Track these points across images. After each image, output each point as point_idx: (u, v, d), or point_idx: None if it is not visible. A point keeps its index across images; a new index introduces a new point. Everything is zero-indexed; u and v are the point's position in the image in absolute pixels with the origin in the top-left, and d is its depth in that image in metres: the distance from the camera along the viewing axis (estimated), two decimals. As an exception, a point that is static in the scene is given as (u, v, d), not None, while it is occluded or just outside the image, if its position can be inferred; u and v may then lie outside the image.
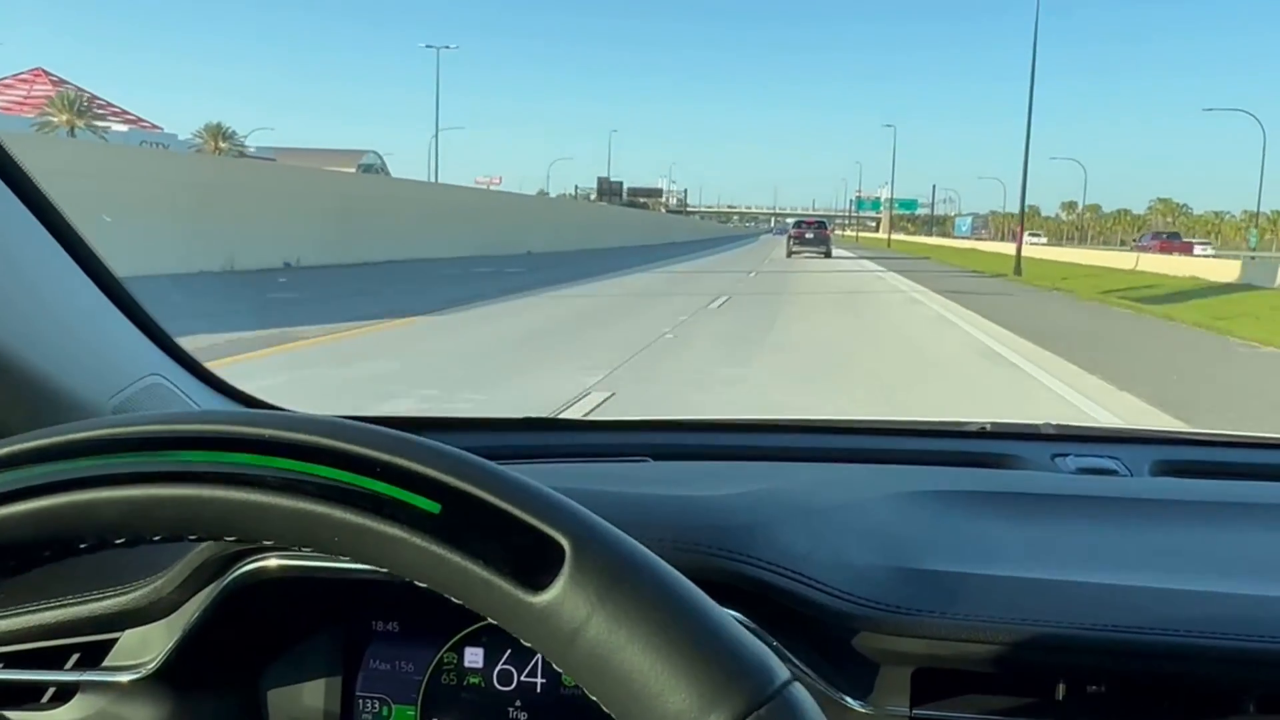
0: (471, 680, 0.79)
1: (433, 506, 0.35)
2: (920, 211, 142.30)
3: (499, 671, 0.79)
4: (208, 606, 0.73)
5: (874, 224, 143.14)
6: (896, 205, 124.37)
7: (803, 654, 0.69)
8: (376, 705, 0.80)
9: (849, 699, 0.70)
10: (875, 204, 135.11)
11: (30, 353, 0.82)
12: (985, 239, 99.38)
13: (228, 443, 0.37)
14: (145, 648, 0.77)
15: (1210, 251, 52.67)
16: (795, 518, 0.80)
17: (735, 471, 1.00)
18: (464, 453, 0.36)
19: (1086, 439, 1.26)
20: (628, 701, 0.33)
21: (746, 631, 0.35)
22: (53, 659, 0.79)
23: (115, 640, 0.78)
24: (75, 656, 0.79)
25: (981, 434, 1.29)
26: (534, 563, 0.34)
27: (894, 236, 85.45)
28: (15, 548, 0.39)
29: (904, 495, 0.93)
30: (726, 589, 0.68)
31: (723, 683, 0.32)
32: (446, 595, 0.36)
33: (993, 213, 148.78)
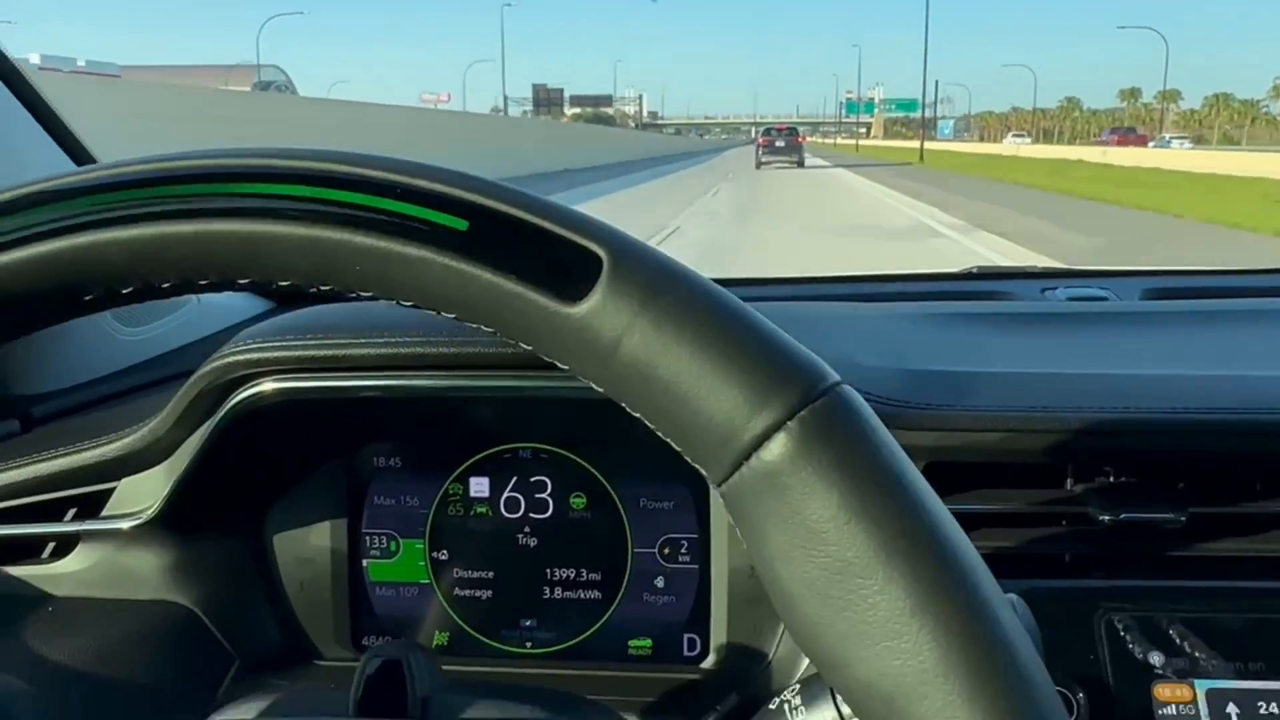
0: (478, 510, 0.79)
1: (459, 224, 0.33)
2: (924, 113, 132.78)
3: (506, 499, 0.79)
4: (207, 440, 0.71)
5: (865, 130, 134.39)
6: (893, 107, 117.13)
7: None
8: (384, 541, 0.80)
9: None
10: (869, 106, 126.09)
11: None
12: (969, 141, 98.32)
13: (239, 175, 0.34)
14: (144, 494, 0.76)
15: (1187, 145, 53.74)
16: (800, 325, 0.79)
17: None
18: (492, 181, 0.34)
19: (1075, 275, 1.26)
20: (675, 408, 0.32)
21: (793, 339, 0.34)
22: (50, 513, 0.78)
23: (113, 490, 0.77)
24: (73, 510, 0.78)
25: (969, 275, 1.29)
26: (570, 274, 0.32)
27: (876, 143, 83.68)
28: (17, 300, 0.37)
29: (904, 316, 0.93)
30: None
31: (773, 380, 0.31)
32: (475, 322, 0.34)
33: (988, 113, 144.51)
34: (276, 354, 0.69)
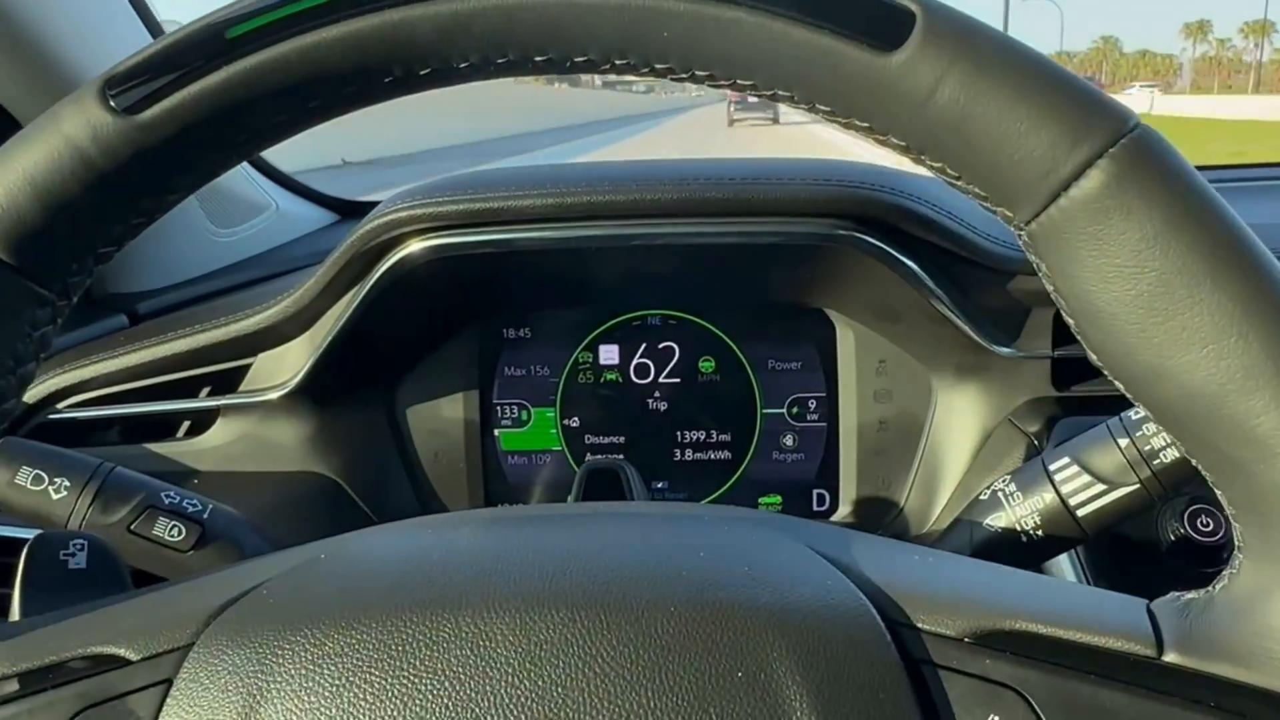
0: (608, 377, 0.81)
1: None
2: None
3: (636, 365, 0.80)
4: (354, 308, 0.73)
5: None
6: None
7: (949, 294, 0.71)
8: (516, 410, 0.81)
9: (989, 343, 0.72)
10: None
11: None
12: None
13: None
14: (284, 367, 0.77)
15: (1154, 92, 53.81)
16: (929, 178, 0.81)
17: None
18: None
19: None
20: (989, 150, 0.33)
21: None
22: (183, 392, 0.79)
23: (248, 366, 0.78)
24: (207, 389, 0.79)
25: None
26: (884, 27, 0.33)
27: None
28: (322, 80, 0.37)
29: None
30: (891, 229, 0.70)
31: (1087, 119, 0.32)
32: (785, 89, 0.35)
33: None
34: (432, 209, 0.70)
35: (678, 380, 0.80)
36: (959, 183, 0.35)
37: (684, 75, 0.36)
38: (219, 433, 0.79)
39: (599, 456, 0.80)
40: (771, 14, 0.34)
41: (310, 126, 0.40)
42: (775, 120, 31.58)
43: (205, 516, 0.56)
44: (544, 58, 0.37)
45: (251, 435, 0.78)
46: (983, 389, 0.75)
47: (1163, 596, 0.35)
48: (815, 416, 0.80)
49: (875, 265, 0.70)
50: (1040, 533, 0.50)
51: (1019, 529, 0.50)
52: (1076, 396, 0.74)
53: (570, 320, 0.81)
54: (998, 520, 0.51)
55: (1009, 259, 0.71)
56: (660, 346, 0.80)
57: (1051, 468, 0.50)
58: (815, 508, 0.81)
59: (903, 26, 0.33)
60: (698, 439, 0.81)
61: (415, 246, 0.71)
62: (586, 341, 0.81)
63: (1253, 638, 0.32)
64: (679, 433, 0.81)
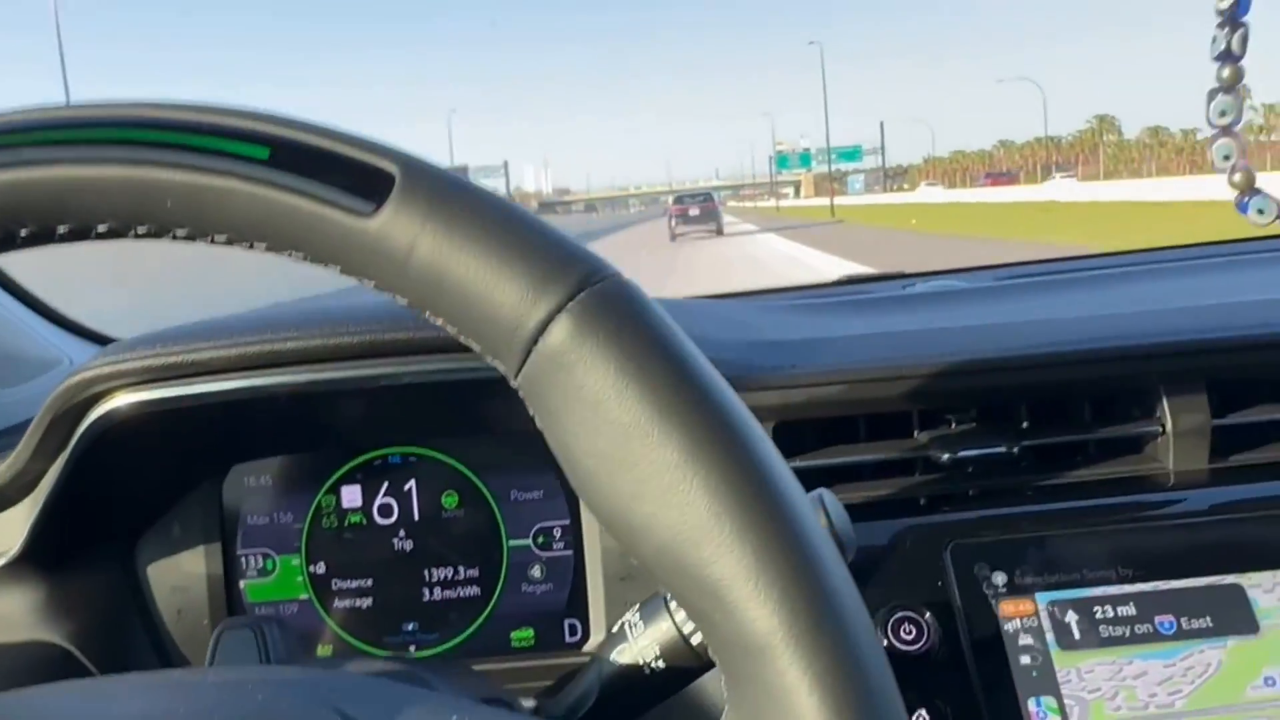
0: (352, 519, 0.80)
1: (260, 152, 0.35)
2: (865, 162, 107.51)
3: (379, 505, 0.80)
4: (66, 466, 0.71)
5: (795, 189, 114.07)
6: (836, 156, 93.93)
7: None
8: (260, 560, 0.80)
9: None
10: (805, 158, 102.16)
11: None
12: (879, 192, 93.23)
13: (51, 125, 0.36)
14: (6, 534, 0.75)
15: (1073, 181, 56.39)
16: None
17: None
18: (287, 114, 0.37)
19: (935, 274, 1.33)
20: (465, 306, 0.34)
21: (571, 237, 0.36)
22: None
23: None
24: None
25: (840, 281, 1.34)
26: (365, 191, 0.34)
27: (799, 203, 78.48)
28: None
29: (758, 304, 0.97)
30: None
31: (551, 271, 0.33)
32: (284, 249, 0.36)
33: (927, 158, 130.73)
34: (127, 365, 0.69)
35: (421, 518, 0.80)
36: (462, 339, 0.36)
37: (205, 240, 0.37)
38: None
39: (239, 616, 0.78)
40: (260, 183, 0.35)
41: None
42: (719, 231, 30.41)
43: None
44: (67, 226, 0.37)
45: None
46: None
47: None
48: (561, 545, 0.79)
49: None
50: (661, 664, 0.49)
51: (641, 662, 0.50)
52: None
53: (310, 464, 0.80)
54: (623, 654, 0.50)
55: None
56: (403, 484, 0.80)
57: (668, 595, 0.50)
58: (568, 638, 0.79)
59: (381, 189, 0.35)
60: (445, 576, 0.79)
61: (120, 401, 0.71)
62: (328, 485, 0.80)
63: None
64: (426, 571, 0.79)
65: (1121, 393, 0.75)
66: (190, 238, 0.37)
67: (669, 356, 0.33)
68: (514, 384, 0.34)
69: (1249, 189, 0.44)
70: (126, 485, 0.77)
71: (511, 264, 0.34)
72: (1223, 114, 0.44)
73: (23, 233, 0.38)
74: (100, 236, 0.38)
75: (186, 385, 0.71)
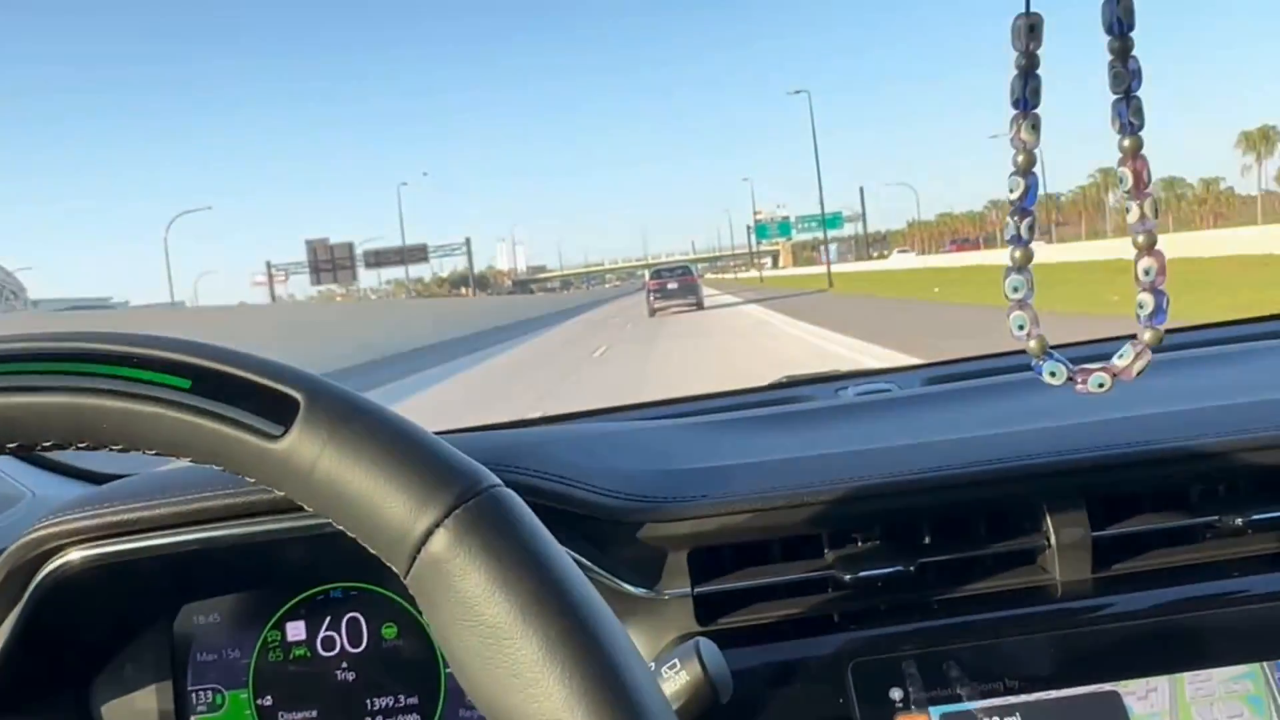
0: (297, 653, 0.84)
1: (184, 383, 0.40)
2: (845, 229, 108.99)
3: (322, 638, 0.84)
4: (19, 616, 0.76)
5: (773, 259, 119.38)
6: (813, 224, 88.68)
7: (584, 551, 0.77)
8: (210, 695, 0.84)
9: (632, 587, 0.77)
10: (784, 227, 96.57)
11: None
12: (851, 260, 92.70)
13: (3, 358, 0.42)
14: None
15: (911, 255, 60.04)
16: (570, 441, 0.89)
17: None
18: (210, 343, 0.43)
19: (867, 374, 1.39)
20: (360, 518, 0.39)
21: (460, 452, 0.41)
22: None
23: None
24: None
25: (776, 385, 1.41)
26: (274, 416, 0.39)
27: (782, 273, 76.76)
28: None
29: (682, 424, 1.03)
30: None
31: (433, 486, 0.38)
32: (207, 463, 0.41)
33: (912, 222, 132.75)
34: (79, 524, 0.74)
35: (362, 650, 0.84)
36: (360, 541, 0.41)
37: (138, 451, 0.43)
38: None
39: None
40: (184, 409, 0.41)
41: None
42: (699, 305, 28.74)
43: None
44: (15, 444, 0.43)
45: None
46: (633, 631, 0.79)
47: None
48: None
49: None
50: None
51: None
52: (723, 629, 0.79)
53: (257, 601, 0.85)
54: None
55: (630, 509, 0.77)
56: (344, 617, 0.84)
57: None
58: (505, 761, 0.83)
59: (288, 413, 0.40)
60: (387, 704, 0.83)
61: (73, 556, 0.75)
62: (273, 620, 0.84)
63: None
64: (368, 700, 0.83)
65: (1012, 508, 0.81)
66: (124, 450, 0.42)
67: (533, 564, 0.38)
68: (404, 582, 0.39)
69: (1043, 353, 0.51)
70: (80, 631, 0.81)
71: (399, 481, 0.39)
72: (1015, 290, 0.50)
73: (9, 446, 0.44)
74: (44, 450, 0.44)
75: (137, 540, 0.76)
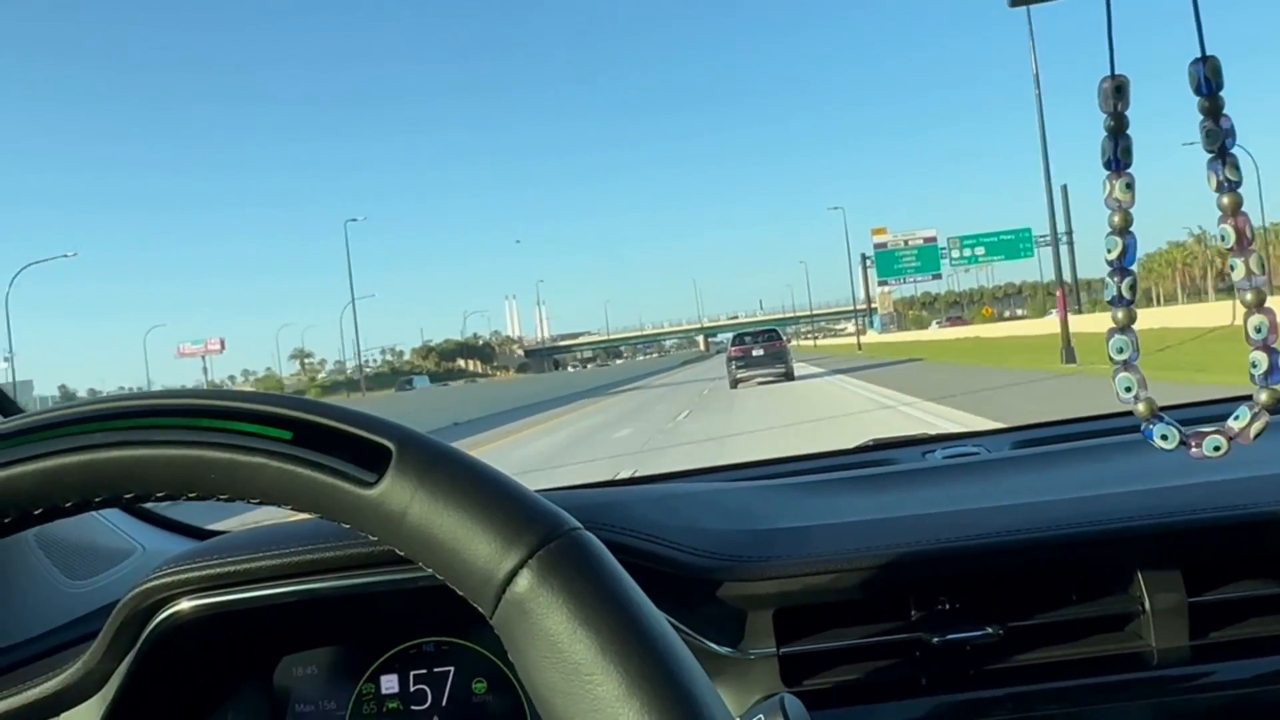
0: (390, 705, 0.86)
1: (285, 434, 0.43)
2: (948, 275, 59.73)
3: (414, 692, 0.85)
4: (133, 664, 0.79)
5: (866, 317, 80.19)
6: (973, 243, 53.01)
7: (669, 609, 0.77)
8: None
9: (717, 646, 0.77)
10: (928, 254, 56.78)
11: None
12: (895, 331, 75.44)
13: (118, 415, 0.46)
14: None
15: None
16: (657, 500, 0.90)
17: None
18: (307, 398, 0.46)
19: (955, 437, 1.37)
20: (449, 560, 0.41)
21: (543, 497, 0.44)
22: None
23: None
24: None
25: (863, 448, 1.40)
26: (368, 465, 0.42)
27: (884, 339, 61.91)
28: None
29: (767, 486, 1.03)
30: None
31: (517, 530, 0.40)
32: (305, 511, 0.44)
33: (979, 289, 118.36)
34: (190, 575, 0.78)
35: (453, 703, 0.85)
36: (449, 584, 0.43)
37: (242, 500, 0.46)
38: None
39: None
40: (286, 459, 0.44)
41: None
42: (789, 375, 24.51)
43: None
44: (131, 495, 0.46)
45: None
46: (719, 690, 0.79)
47: None
48: None
49: None
50: None
51: None
52: (808, 690, 0.78)
53: (353, 654, 0.87)
54: None
55: (715, 568, 0.78)
56: (436, 671, 0.86)
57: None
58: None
59: (381, 461, 0.43)
60: None
61: (184, 605, 0.79)
62: (369, 673, 0.86)
63: None
64: None
65: (1103, 572, 0.79)
66: (229, 499, 0.45)
67: (613, 604, 0.40)
68: (491, 622, 0.41)
69: (1152, 416, 0.50)
70: (188, 679, 0.84)
71: (485, 525, 0.41)
72: (1120, 351, 0.50)
73: (95, 499, 0.47)
74: (157, 500, 0.47)
75: (243, 591, 0.79)
